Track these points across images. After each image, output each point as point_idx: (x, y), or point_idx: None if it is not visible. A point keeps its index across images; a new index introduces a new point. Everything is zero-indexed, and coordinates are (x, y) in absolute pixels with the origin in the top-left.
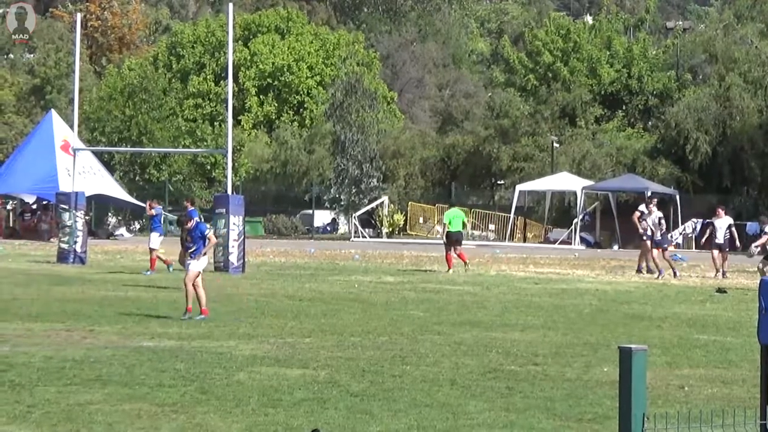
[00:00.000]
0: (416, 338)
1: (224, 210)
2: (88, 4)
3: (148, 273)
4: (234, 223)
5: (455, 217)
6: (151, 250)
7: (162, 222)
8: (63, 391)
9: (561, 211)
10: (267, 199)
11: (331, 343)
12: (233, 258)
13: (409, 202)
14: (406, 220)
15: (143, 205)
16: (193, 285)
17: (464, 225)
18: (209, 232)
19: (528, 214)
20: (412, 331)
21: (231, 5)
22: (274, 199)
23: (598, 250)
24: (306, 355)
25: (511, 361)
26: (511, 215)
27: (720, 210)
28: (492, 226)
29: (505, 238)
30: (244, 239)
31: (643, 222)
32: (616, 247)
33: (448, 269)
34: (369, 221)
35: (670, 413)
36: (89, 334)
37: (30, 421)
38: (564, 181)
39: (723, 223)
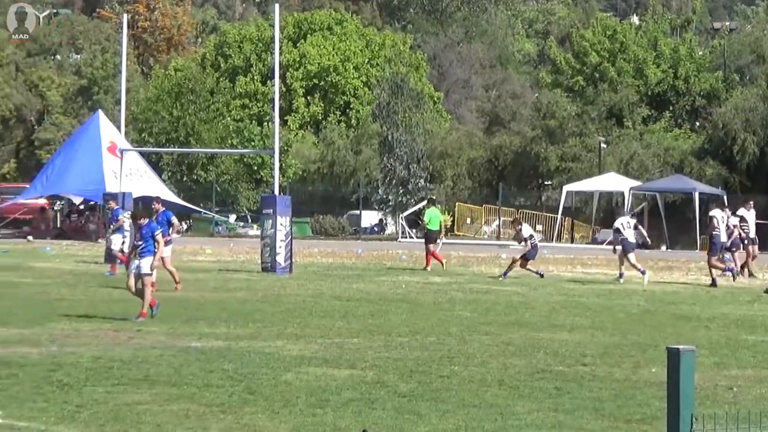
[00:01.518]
0: (464, 338)
1: (271, 210)
2: (135, 5)
3: (109, 274)
4: (281, 224)
5: (435, 216)
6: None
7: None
8: (111, 391)
9: (608, 211)
10: (314, 200)
11: (378, 343)
12: (280, 258)
13: (457, 203)
14: (453, 221)
15: (192, 206)
16: (142, 284)
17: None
18: (159, 234)
19: (575, 215)
20: (460, 332)
21: (277, 6)
22: (321, 200)
23: (646, 251)
24: (353, 355)
25: (559, 362)
26: (559, 216)
27: (751, 202)
28: (539, 227)
29: (553, 239)
30: (291, 240)
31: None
32: (663, 248)
33: (427, 267)
34: (416, 222)
35: (718, 414)
36: (137, 335)
37: (78, 421)
38: (611, 182)
39: (751, 216)
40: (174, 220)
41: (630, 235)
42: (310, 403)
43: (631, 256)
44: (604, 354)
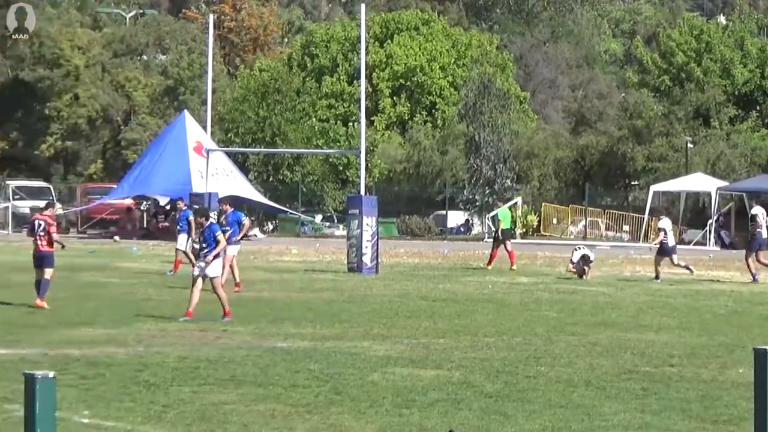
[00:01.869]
0: (551, 339)
1: (357, 211)
2: (221, 5)
3: (170, 273)
4: (367, 224)
5: (507, 215)
6: (177, 250)
7: (188, 222)
8: (197, 391)
9: (695, 211)
10: (400, 200)
11: (465, 343)
12: (366, 259)
13: (543, 203)
14: (539, 221)
15: (278, 206)
16: (213, 285)
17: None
18: (219, 234)
19: (662, 215)
20: (547, 332)
21: (363, 6)
22: (407, 200)
23: (733, 251)
24: (440, 355)
25: (646, 362)
26: (645, 216)
27: None
28: (626, 227)
29: (639, 239)
30: (377, 240)
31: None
32: None
33: (489, 265)
34: None
35: None
36: (223, 335)
37: (165, 421)
38: (698, 182)
39: None
40: (245, 220)
41: (671, 239)
42: (396, 404)
43: (674, 257)
44: (691, 355)
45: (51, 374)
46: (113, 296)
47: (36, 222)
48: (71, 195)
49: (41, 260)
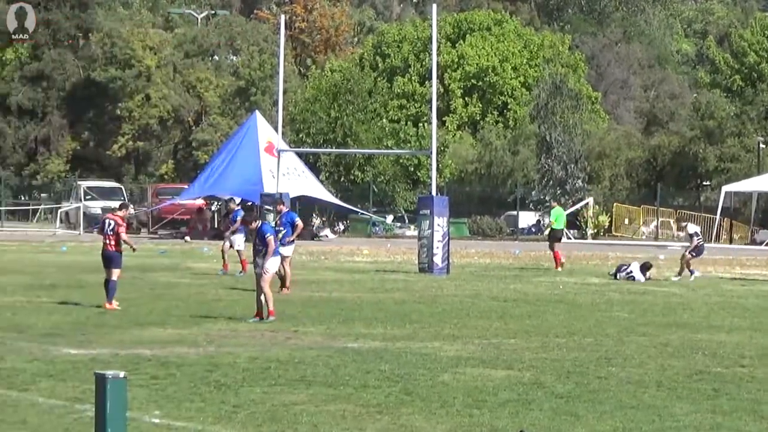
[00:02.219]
0: (622, 340)
1: (429, 211)
2: (293, 6)
3: (241, 274)
4: (438, 225)
5: (560, 216)
6: (239, 251)
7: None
8: (268, 391)
9: None
10: (471, 200)
11: (535, 344)
12: (438, 259)
13: (614, 203)
14: (611, 221)
15: (349, 206)
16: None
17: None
18: (269, 236)
19: (734, 216)
20: (618, 333)
21: (435, 6)
22: (478, 200)
23: None
24: (511, 356)
25: (717, 363)
26: (717, 216)
27: None
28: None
29: (711, 240)
30: (448, 240)
31: None
32: None
33: (558, 267)
34: (574, 222)
35: None
36: (294, 335)
37: (235, 421)
38: None
39: None
40: (298, 221)
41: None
42: (467, 404)
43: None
44: (763, 355)
45: (122, 374)
46: (184, 296)
47: (107, 221)
48: (142, 195)
49: (108, 260)
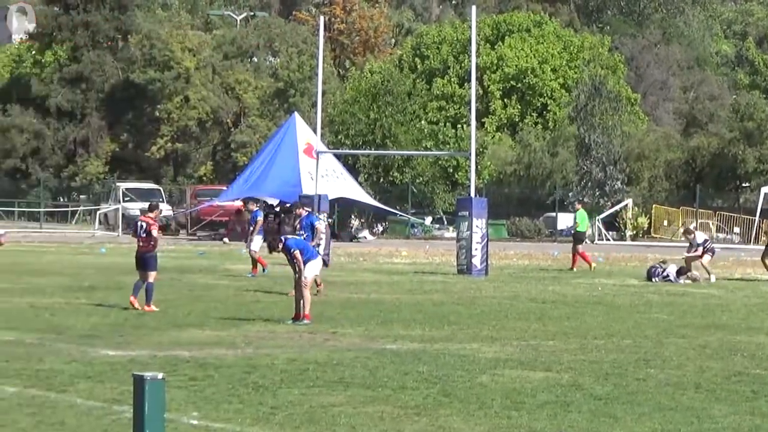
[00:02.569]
0: (660, 341)
1: (467, 213)
2: (332, 7)
3: (251, 275)
4: (477, 226)
5: (584, 218)
6: (253, 252)
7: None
8: (306, 393)
9: None
10: (510, 202)
11: (574, 345)
12: (476, 261)
13: (653, 205)
14: (650, 223)
15: (388, 208)
16: (298, 286)
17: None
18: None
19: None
20: (656, 334)
21: (474, 8)
22: (517, 202)
23: None
24: (549, 357)
25: (756, 365)
26: (756, 218)
27: None
28: (737, 229)
29: (750, 241)
30: (487, 242)
31: None
32: None
33: (591, 266)
34: (613, 224)
35: None
36: (332, 337)
37: (273, 422)
38: None
39: None
40: (318, 225)
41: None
42: (505, 406)
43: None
44: None
45: (160, 376)
46: (222, 298)
47: (139, 223)
48: (181, 197)
49: (142, 262)
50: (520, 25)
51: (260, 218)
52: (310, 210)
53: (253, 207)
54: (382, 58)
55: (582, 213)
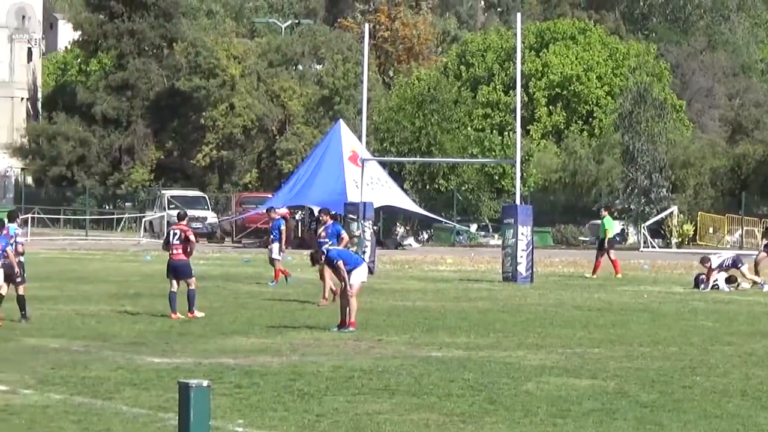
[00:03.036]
0: (706, 349)
1: (513, 220)
2: (377, 14)
3: (273, 284)
4: (522, 234)
5: (612, 224)
6: (274, 261)
7: (280, 232)
8: (351, 400)
9: None
10: (555, 209)
11: (620, 353)
12: (521, 268)
13: (699, 212)
14: (695, 230)
15: (433, 215)
16: (344, 293)
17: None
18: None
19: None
20: (702, 342)
21: (519, 15)
22: (562, 209)
23: None
24: (595, 365)
25: None
26: None
27: None
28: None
29: None
30: (532, 249)
31: None
32: None
33: (618, 273)
34: (658, 231)
35: None
36: (377, 344)
37: (318, 430)
38: None
39: None
40: (344, 234)
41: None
42: (550, 413)
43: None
44: None
45: (205, 383)
46: (267, 305)
47: (172, 232)
48: (226, 204)
49: (176, 270)
50: (564, 33)
51: (283, 227)
52: (335, 218)
53: (275, 215)
54: (427, 66)
55: (609, 219)
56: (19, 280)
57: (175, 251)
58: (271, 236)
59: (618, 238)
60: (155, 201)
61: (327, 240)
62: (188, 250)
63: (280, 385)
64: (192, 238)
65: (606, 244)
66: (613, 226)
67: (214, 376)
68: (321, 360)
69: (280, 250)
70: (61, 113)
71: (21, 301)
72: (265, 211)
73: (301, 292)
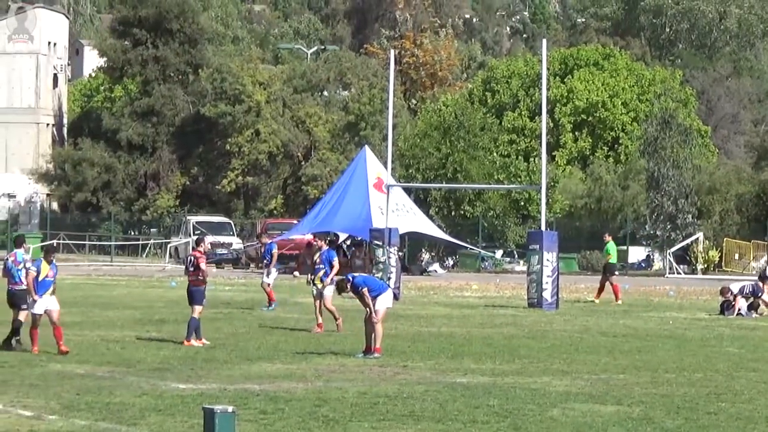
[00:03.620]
0: (731, 375)
1: (538, 246)
2: (402, 41)
3: (266, 309)
4: (548, 260)
5: (615, 249)
6: (267, 285)
7: (272, 255)
8: (376, 426)
9: None
10: (581, 235)
11: (645, 379)
12: (547, 294)
13: (725, 238)
14: (721, 256)
15: (459, 241)
16: (370, 320)
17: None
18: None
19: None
20: (728, 368)
21: (545, 41)
22: (588, 235)
23: None
24: (620, 391)
25: None
26: None
27: None
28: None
29: None
30: (557, 275)
31: None
32: None
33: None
34: (684, 257)
35: None
36: (402, 370)
37: None
38: None
39: None
40: (335, 261)
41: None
42: None
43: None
44: None
45: (230, 409)
46: (292, 331)
47: (188, 258)
48: (252, 230)
49: (190, 296)
50: (588, 60)
51: (275, 251)
52: (330, 244)
53: (266, 240)
54: (451, 92)
55: (612, 245)
56: (24, 306)
57: (190, 277)
58: (264, 261)
59: (643, 264)
60: (180, 227)
61: (321, 266)
62: (199, 277)
63: (305, 411)
64: (202, 265)
65: (608, 269)
66: (615, 252)
67: (239, 401)
68: (346, 386)
69: (269, 273)
70: (86, 139)
71: (20, 326)
72: (260, 235)
73: (328, 318)
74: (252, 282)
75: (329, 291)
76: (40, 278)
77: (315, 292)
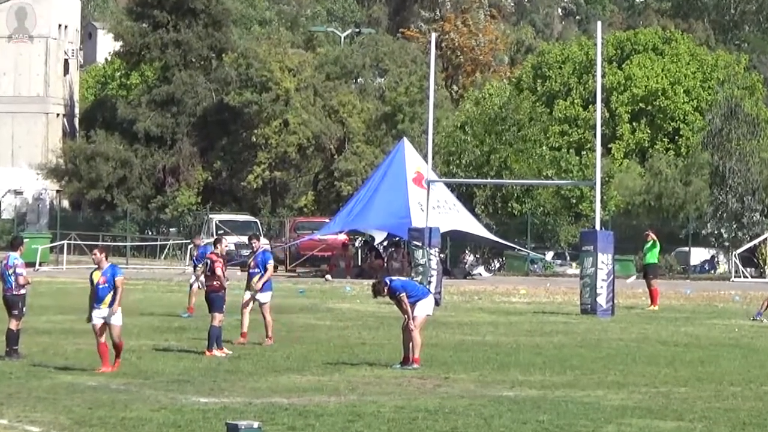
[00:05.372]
0: None
1: (592, 247)
2: (443, 23)
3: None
4: (602, 262)
5: (655, 249)
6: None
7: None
8: None
9: None
10: (639, 235)
11: (708, 392)
12: (602, 300)
13: None
14: None
15: (505, 242)
16: (407, 328)
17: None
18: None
19: None
20: None
21: (599, 24)
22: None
23: None
24: (681, 405)
25: None
26: None
27: None
28: None
29: None
30: (613, 279)
31: None
32: None
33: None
34: (751, 259)
35: None
36: (443, 382)
37: None
38: None
39: None
40: (269, 265)
41: None
42: None
43: None
44: None
45: (256, 424)
46: (324, 340)
47: (207, 262)
48: (280, 230)
49: (209, 303)
50: (646, 44)
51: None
52: (266, 246)
53: (199, 242)
54: (497, 78)
55: (654, 244)
56: (15, 312)
57: (208, 282)
58: (195, 265)
59: (707, 266)
60: (202, 226)
61: (256, 270)
62: (214, 282)
63: (337, 427)
64: (218, 271)
65: (650, 271)
66: (657, 252)
67: (266, 417)
68: (382, 400)
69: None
70: (100, 131)
71: (13, 336)
72: (194, 238)
73: (363, 326)
74: (279, 287)
75: (266, 297)
76: (94, 284)
77: (247, 297)
